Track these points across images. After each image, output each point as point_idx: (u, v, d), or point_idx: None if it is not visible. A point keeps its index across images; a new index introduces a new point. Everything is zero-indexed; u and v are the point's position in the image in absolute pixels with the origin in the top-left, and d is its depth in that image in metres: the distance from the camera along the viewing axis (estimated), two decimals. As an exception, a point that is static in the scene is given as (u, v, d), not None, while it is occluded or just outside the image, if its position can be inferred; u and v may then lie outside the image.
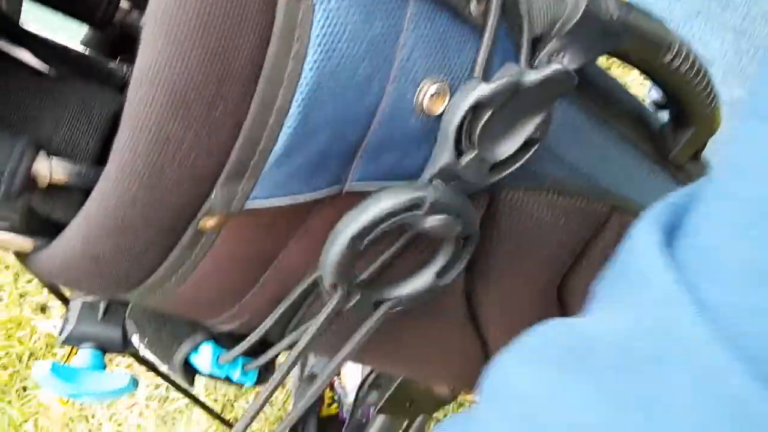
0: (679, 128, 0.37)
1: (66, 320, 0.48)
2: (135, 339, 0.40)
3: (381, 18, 0.22)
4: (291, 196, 0.25)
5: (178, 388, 0.56)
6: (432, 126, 0.25)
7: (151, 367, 0.54)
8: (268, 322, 0.33)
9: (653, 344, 0.21)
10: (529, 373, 0.23)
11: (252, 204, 0.24)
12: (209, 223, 0.25)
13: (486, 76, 0.26)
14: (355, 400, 0.78)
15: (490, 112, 0.25)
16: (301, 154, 0.23)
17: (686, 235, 0.22)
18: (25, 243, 0.28)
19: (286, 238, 0.28)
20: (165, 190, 0.23)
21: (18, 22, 0.30)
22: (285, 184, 0.24)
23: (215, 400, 1.06)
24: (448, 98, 0.24)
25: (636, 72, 0.34)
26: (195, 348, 0.36)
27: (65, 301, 0.48)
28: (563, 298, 0.39)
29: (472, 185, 0.27)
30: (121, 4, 0.32)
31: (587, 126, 0.33)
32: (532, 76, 0.25)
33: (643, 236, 0.22)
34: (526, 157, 0.28)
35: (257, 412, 0.35)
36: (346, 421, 0.82)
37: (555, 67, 0.25)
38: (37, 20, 0.30)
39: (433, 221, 0.26)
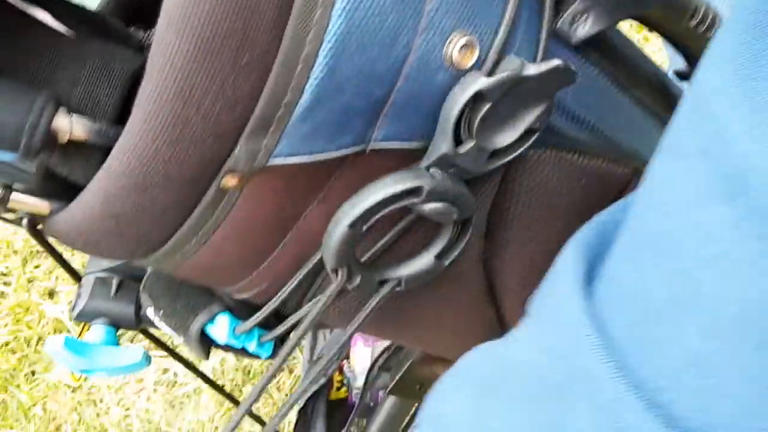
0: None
1: (78, 296, 0.48)
2: (150, 312, 0.39)
3: None
4: (314, 154, 0.25)
5: (187, 365, 0.55)
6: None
7: (163, 346, 0.54)
8: (285, 290, 0.33)
9: (562, 374, 0.22)
10: (456, 401, 0.25)
11: (275, 161, 0.24)
12: (231, 181, 0.24)
13: (512, 35, 0.25)
14: (365, 383, 0.78)
15: (489, 105, 0.25)
16: (326, 108, 0.23)
17: (604, 265, 0.23)
18: (42, 205, 0.28)
19: (307, 202, 0.28)
20: (188, 145, 0.22)
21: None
22: (309, 140, 0.24)
23: (222, 385, 1.06)
24: (477, 52, 0.24)
25: (654, 46, 0.34)
26: (211, 319, 0.36)
27: (77, 277, 0.48)
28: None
29: (470, 172, 0.27)
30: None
31: (611, 90, 0.32)
32: (533, 70, 0.25)
33: (568, 261, 0.23)
34: (526, 145, 0.28)
35: (264, 387, 0.35)
36: (356, 405, 0.82)
37: (556, 62, 0.25)
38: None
39: (430, 208, 0.27)
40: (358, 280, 0.30)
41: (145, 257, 0.28)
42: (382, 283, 0.32)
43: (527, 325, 0.25)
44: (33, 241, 1.23)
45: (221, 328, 0.36)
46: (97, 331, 0.47)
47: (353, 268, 0.29)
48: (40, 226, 0.40)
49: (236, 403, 0.61)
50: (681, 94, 0.38)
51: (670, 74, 0.39)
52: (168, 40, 0.20)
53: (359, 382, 0.83)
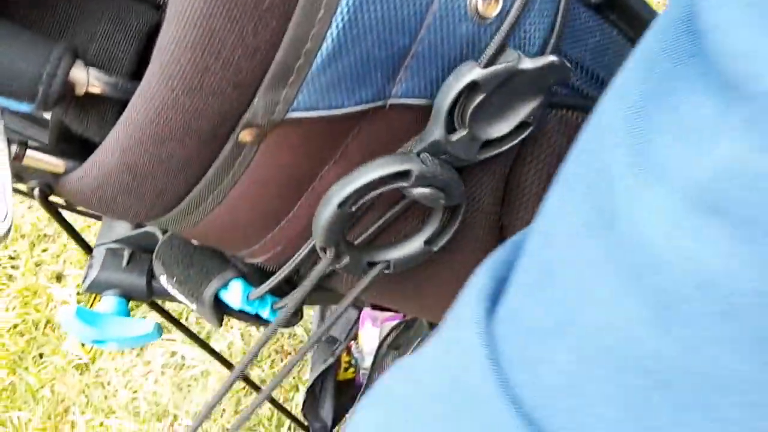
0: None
1: (90, 266, 0.48)
2: (163, 280, 0.39)
3: None
4: (333, 109, 0.24)
5: (193, 336, 0.55)
6: (482, 36, 0.24)
7: (173, 320, 0.54)
8: (298, 256, 0.32)
9: (454, 390, 0.23)
10: (371, 418, 0.26)
11: (293, 115, 0.24)
12: (249, 135, 0.24)
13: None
14: (373, 363, 0.78)
15: (482, 96, 0.25)
16: (347, 58, 0.23)
17: (504, 289, 0.25)
18: (57, 163, 0.28)
19: (323, 161, 0.27)
20: (207, 95, 0.22)
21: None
22: (328, 93, 0.24)
23: (230, 370, 1.06)
24: (501, 2, 0.24)
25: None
26: (225, 284, 0.36)
27: (88, 249, 0.48)
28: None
29: (462, 160, 0.27)
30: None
31: (628, 50, 0.32)
32: (529, 64, 0.25)
33: (478, 277, 0.25)
34: (520, 138, 0.28)
35: (257, 350, 0.35)
36: (363, 385, 0.82)
37: (551, 57, 0.25)
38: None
39: (419, 192, 0.27)
40: (346, 260, 0.31)
41: (161, 216, 0.28)
42: (371, 265, 0.32)
43: (433, 340, 0.27)
44: (40, 225, 1.23)
45: (235, 293, 0.36)
46: (108, 302, 0.47)
47: (342, 248, 0.30)
48: (51, 197, 0.40)
49: (249, 383, 0.61)
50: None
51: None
52: None
53: (367, 362, 0.83)
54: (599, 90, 0.31)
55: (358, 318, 0.83)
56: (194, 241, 0.37)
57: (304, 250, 0.32)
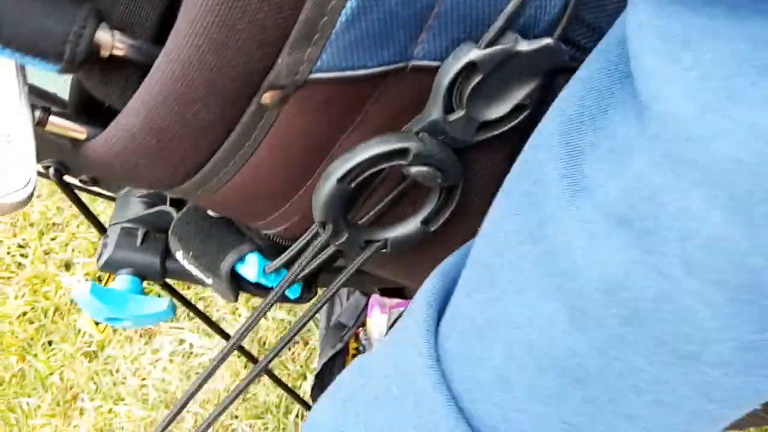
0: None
1: (104, 245, 0.48)
2: (179, 255, 0.39)
3: None
4: (355, 70, 0.24)
5: (204, 317, 0.56)
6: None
7: (185, 301, 0.54)
8: (314, 228, 0.33)
9: (399, 385, 0.25)
10: (326, 411, 0.28)
11: (316, 75, 0.24)
12: (272, 97, 0.24)
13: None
14: (382, 349, 0.78)
15: (481, 76, 0.25)
16: (370, 16, 0.23)
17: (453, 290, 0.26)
18: (79, 129, 0.28)
19: (343, 127, 0.28)
20: (233, 53, 0.22)
21: None
22: (351, 53, 0.24)
23: (238, 357, 1.07)
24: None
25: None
26: (241, 258, 0.36)
27: (102, 228, 0.48)
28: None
29: (459, 141, 0.28)
30: None
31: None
32: (525, 46, 0.25)
33: (431, 278, 0.27)
34: (518, 120, 0.28)
35: (255, 322, 0.36)
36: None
37: (547, 40, 0.25)
38: None
39: (416, 170, 0.28)
40: (344, 237, 0.31)
41: (182, 183, 0.28)
42: (369, 243, 0.33)
43: (388, 337, 0.28)
44: (49, 214, 1.23)
45: (251, 266, 0.36)
46: (122, 281, 0.47)
47: (341, 225, 0.31)
48: (66, 177, 0.40)
49: (245, 353, 0.61)
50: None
51: None
52: None
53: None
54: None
55: (367, 304, 0.83)
56: (211, 213, 0.37)
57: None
